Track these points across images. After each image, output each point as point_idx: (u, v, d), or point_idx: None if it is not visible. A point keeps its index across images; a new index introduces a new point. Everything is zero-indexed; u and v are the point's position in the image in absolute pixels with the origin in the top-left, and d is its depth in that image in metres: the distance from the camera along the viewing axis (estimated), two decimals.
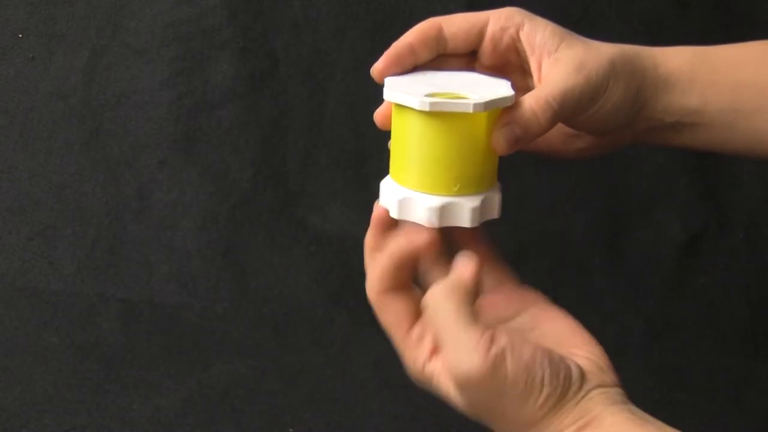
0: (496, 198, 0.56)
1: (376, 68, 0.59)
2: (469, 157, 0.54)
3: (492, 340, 0.49)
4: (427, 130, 0.53)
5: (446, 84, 0.56)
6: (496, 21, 0.60)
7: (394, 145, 0.58)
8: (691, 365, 1.00)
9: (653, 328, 1.04)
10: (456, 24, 0.60)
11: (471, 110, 0.51)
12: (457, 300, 0.52)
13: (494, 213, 0.57)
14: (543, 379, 0.49)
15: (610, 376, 0.52)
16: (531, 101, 0.55)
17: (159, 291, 1.04)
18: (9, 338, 0.95)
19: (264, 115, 1.09)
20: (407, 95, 0.53)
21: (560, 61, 0.58)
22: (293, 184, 1.09)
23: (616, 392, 0.52)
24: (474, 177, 0.55)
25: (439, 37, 0.60)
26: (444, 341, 0.52)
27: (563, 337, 0.54)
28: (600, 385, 0.51)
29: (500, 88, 0.55)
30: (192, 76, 1.08)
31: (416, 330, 0.56)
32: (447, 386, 0.53)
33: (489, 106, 0.52)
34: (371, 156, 1.08)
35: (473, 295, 0.53)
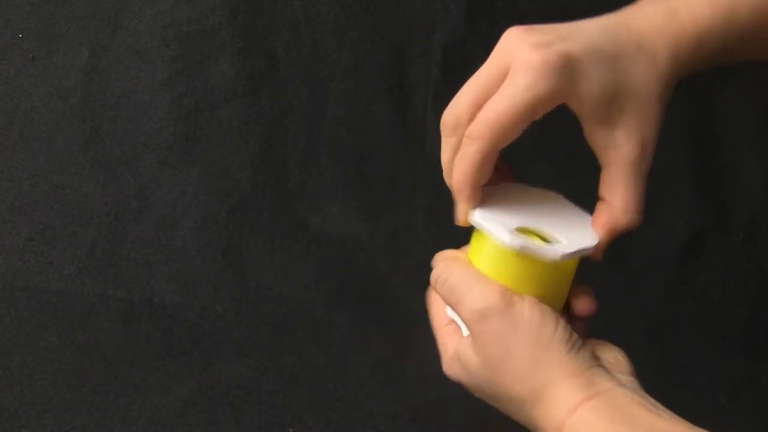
0: None
1: (461, 217, 0.58)
2: (545, 290, 0.56)
3: (506, 288, 0.53)
4: (511, 263, 0.55)
5: (533, 213, 0.58)
6: (541, 105, 0.57)
7: (472, 254, 0.58)
8: (691, 365, 1.00)
9: (653, 328, 1.04)
10: (509, 137, 0.58)
11: (558, 259, 0.54)
12: (464, 261, 0.55)
13: None
14: (557, 325, 0.51)
15: (625, 365, 0.54)
16: (605, 240, 0.59)
17: (159, 291, 1.03)
18: (9, 338, 0.95)
19: (264, 115, 1.09)
20: (497, 226, 0.55)
21: (619, 162, 0.59)
22: (293, 184, 1.09)
23: (628, 379, 0.53)
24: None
25: (495, 156, 0.59)
26: (462, 293, 0.54)
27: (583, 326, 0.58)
28: (614, 370, 0.53)
29: (585, 234, 0.58)
30: (192, 76, 1.08)
31: (451, 324, 0.60)
32: (467, 354, 0.54)
33: (574, 255, 0.55)
34: (371, 156, 1.08)
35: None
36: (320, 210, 1.08)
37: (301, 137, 1.09)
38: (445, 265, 0.56)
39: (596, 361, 0.52)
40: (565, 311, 0.58)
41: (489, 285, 0.52)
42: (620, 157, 0.59)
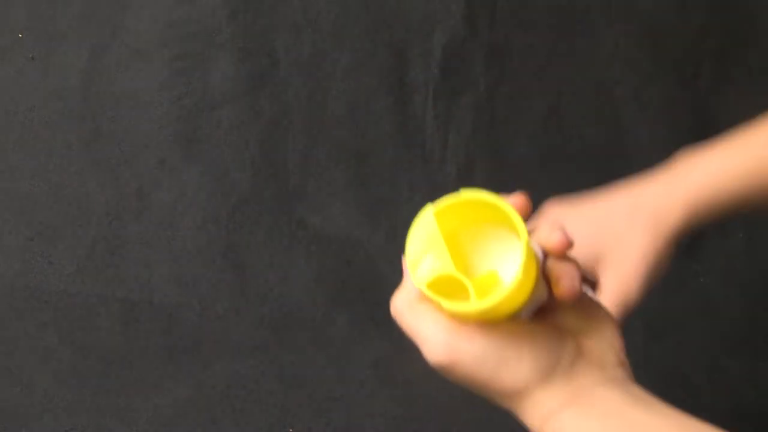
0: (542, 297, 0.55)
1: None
2: (503, 311, 0.52)
3: (452, 331, 0.51)
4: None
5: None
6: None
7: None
8: (691, 365, 1.00)
9: (653, 328, 1.04)
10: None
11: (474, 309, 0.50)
12: (410, 304, 0.54)
13: None
14: (520, 356, 0.49)
15: (613, 355, 0.52)
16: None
17: (159, 291, 1.03)
18: (9, 338, 0.95)
19: (264, 115, 1.09)
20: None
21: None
22: (293, 184, 1.09)
23: (616, 371, 0.51)
24: (522, 305, 0.53)
25: None
26: (415, 342, 0.54)
27: (574, 314, 0.54)
28: (599, 363, 0.51)
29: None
30: (192, 76, 1.08)
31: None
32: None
33: (490, 301, 0.50)
34: (371, 156, 1.08)
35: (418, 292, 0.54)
36: (320, 210, 1.08)
37: (301, 137, 1.09)
38: (396, 307, 0.54)
39: (579, 357, 0.51)
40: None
41: (434, 338, 0.51)
42: (604, 299, 0.62)
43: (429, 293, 0.50)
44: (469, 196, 0.50)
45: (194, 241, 1.06)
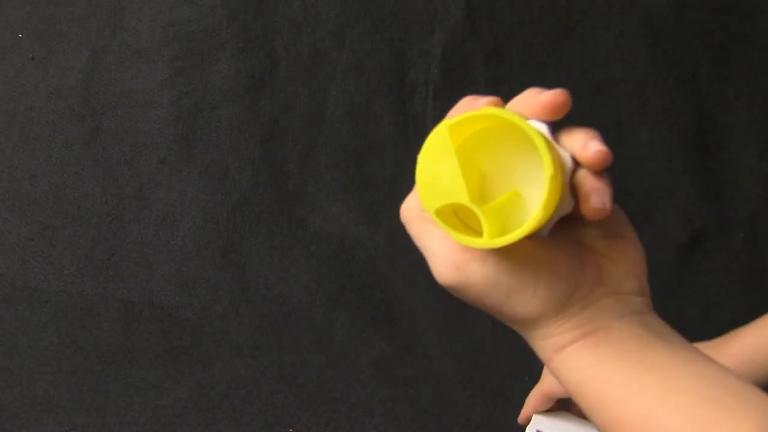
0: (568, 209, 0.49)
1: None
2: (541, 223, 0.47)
3: (463, 250, 0.46)
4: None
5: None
6: None
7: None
8: None
9: None
10: None
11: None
12: (422, 219, 0.49)
13: None
14: (536, 282, 0.45)
15: (635, 282, 0.48)
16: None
17: (159, 291, 1.03)
18: (9, 338, 0.95)
19: (264, 115, 1.09)
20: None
21: None
22: (293, 184, 1.09)
23: (635, 301, 0.47)
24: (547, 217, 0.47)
25: None
26: (425, 257, 0.49)
27: (599, 231, 0.49)
28: (619, 290, 0.47)
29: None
30: (192, 76, 1.08)
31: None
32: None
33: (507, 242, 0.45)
34: (371, 156, 1.08)
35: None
36: (320, 210, 1.08)
37: (301, 137, 1.09)
38: (406, 217, 0.50)
39: (599, 288, 0.46)
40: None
41: (444, 259, 0.46)
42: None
43: (438, 221, 0.45)
44: (488, 111, 0.45)
45: (194, 241, 1.06)
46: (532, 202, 0.45)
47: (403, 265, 1.04)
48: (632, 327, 0.45)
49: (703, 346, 0.73)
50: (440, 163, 0.46)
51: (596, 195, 0.45)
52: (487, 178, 0.47)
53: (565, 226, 0.48)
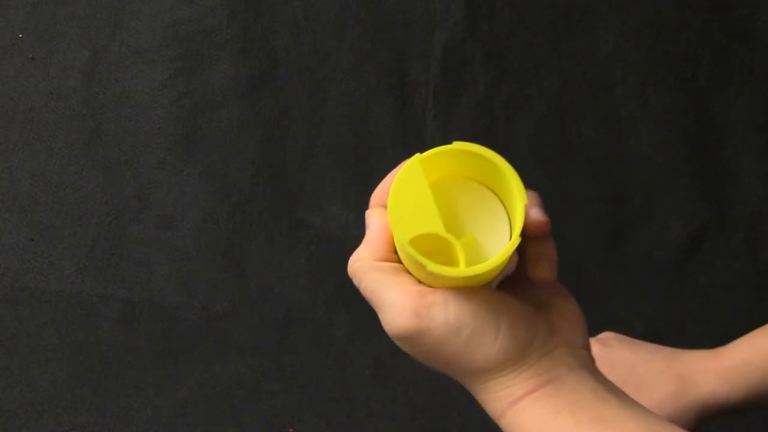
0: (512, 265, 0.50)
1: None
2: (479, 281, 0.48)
3: (421, 296, 0.46)
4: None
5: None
6: None
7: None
8: None
9: (653, 328, 1.04)
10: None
11: (462, 276, 0.45)
12: (374, 268, 0.49)
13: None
14: (497, 328, 0.45)
15: (581, 337, 0.48)
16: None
17: (159, 291, 1.03)
18: (9, 338, 0.95)
19: (264, 115, 1.09)
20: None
21: None
22: (293, 184, 1.09)
23: (584, 354, 0.47)
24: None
25: None
26: (377, 307, 0.49)
27: (542, 291, 0.49)
28: (569, 345, 0.47)
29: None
30: (192, 76, 1.08)
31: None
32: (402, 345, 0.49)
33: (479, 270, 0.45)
34: (371, 156, 1.08)
35: (389, 251, 0.51)
36: (320, 210, 1.08)
37: (301, 137, 1.09)
38: (355, 269, 0.50)
39: (551, 339, 0.46)
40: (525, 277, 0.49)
41: (402, 305, 0.46)
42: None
43: (412, 252, 0.45)
44: (461, 146, 0.45)
45: (194, 241, 1.06)
46: (490, 248, 0.45)
47: None
48: (586, 379, 0.45)
49: (702, 355, 0.73)
50: (412, 196, 0.46)
51: (546, 261, 0.47)
52: (446, 214, 0.47)
53: (510, 285, 0.49)
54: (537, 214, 0.47)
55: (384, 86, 1.09)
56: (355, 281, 0.50)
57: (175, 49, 1.08)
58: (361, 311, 1.03)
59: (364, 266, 0.50)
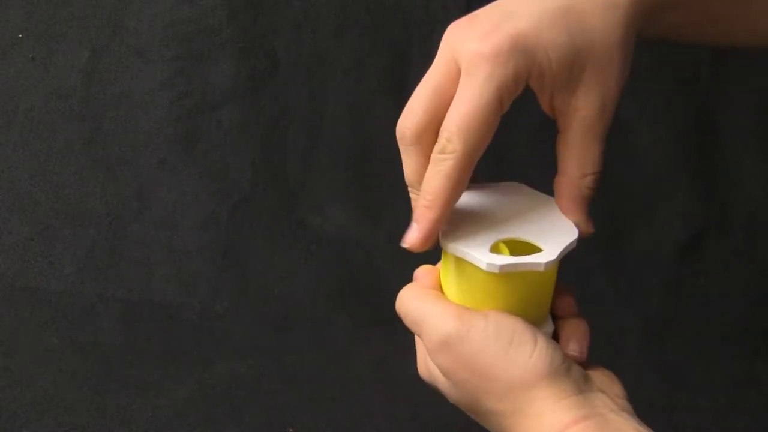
0: (549, 331, 0.53)
1: (421, 240, 0.52)
2: (531, 300, 0.51)
3: (464, 308, 0.49)
4: (493, 285, 0.49)
5: (500, 218, 0.52)
6: (506, 96, 0.50)
7: (444, 273, 0.53)
8: (691, 365, 1.00)
9: (653, 328, 1.04)
10: (484, 141, 0.51)
11: (543, 269, 0.48)
12: (420, 290, 0.53)
13: None
14: (534, 344, 0.46)
15: (619, 389, 0.49)
16: (577, 214, 0.55)
17: (159, 291, 1.04)
18: (9, 338, 0.95)
19: (264, 115, 1.09)
20: (472, 250, 0.48)
21: (575, 126, 0.53)
22: (293, 184, 1.09)
23: (626, 404, 0.48)
24: (534, 317, 0.51)
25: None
26: (420, 324, 0.50)
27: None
28: (606, 392, 0.48)
29: (562, 227, 0.52)
30: (192, 76, 1.08)
31: None
32: (436, 375, 0.52)
33: (559, 257, 0.49)
34: (371, 156, 1.08)
35: (434, 283, 0.54)
36: (320, 210, 1.08)
37: (301, 137, 1.09)
38: (403, 297, 0.52)
39: (588, 383, 0.48)
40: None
41: (444, 312, 0.48)
42: (577, 121, 0.53)
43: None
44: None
45: (194, 241, 1.06)
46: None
47: (403, 265, 1.04)
48: (629, 422, 0.45)
49: None
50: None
51: (577, 340, 0.51)
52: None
53: None
54: (575, 349, 0.51)
55: (384, 86, 1.09)
56: (401, 311, 0.52)
57: (175, 49, 1.08)
58: (361, 311, 1.03)
59: (413, 291, 0.53)
